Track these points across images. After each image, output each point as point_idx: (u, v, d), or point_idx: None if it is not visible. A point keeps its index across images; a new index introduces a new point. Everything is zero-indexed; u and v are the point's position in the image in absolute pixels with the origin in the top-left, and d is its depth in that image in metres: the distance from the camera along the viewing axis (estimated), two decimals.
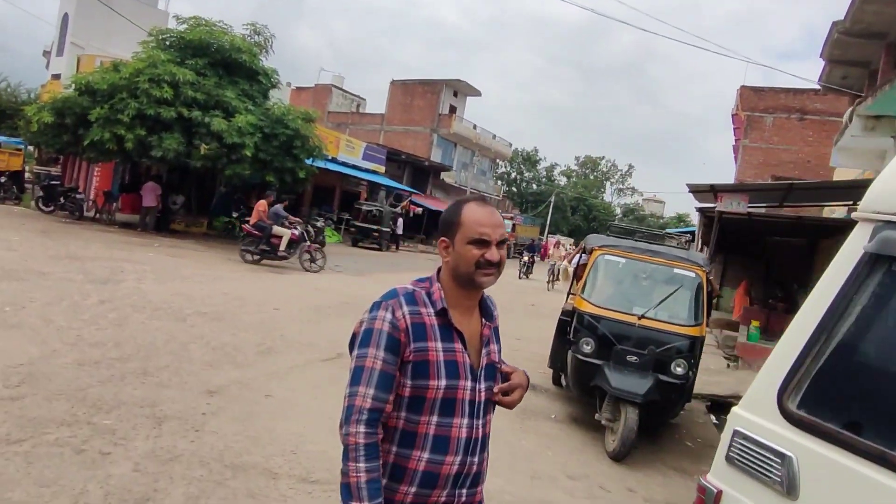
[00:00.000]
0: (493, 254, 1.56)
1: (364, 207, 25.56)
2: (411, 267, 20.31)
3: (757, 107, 25.26)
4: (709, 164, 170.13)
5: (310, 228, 19.75)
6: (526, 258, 24.13)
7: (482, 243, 1.55)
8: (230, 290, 9.77)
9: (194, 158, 15.82)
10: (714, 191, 10.43)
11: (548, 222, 57.68)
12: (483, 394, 1.63)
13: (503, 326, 8.46)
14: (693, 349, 5.28)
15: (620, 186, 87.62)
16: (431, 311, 1.57)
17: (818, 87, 19.35)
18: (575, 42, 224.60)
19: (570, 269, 6.88)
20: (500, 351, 1.78)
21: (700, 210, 13.24)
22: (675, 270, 5.66)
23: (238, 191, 22.69)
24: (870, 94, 9.21)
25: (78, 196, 18.43)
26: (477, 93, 46.16)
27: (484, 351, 1.67)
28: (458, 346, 1.58)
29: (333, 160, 28.08)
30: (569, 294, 6.48)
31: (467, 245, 1.55)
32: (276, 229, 14.13)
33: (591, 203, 77.41)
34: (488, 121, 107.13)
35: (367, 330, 1.57)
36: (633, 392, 4.98)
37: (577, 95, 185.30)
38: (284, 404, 4.96)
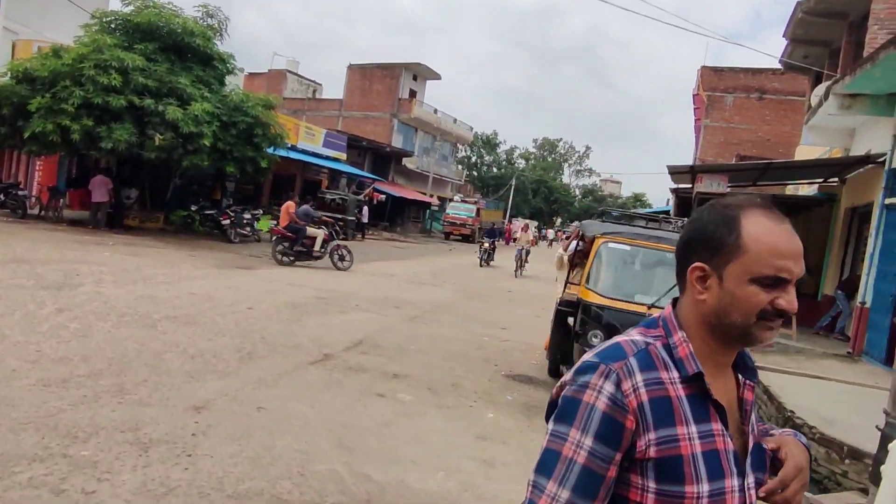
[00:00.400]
0: (790, 300, 0.99)
1: (327, 196, 24.86)
2: (382, 256, 19.89)
3: (717, 86, 25.59)
4: (666, 145, 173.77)
5: (273, 220, 19.05)
6: (487, 244, 21.57)
7: (777, 283, 0.99)
8: (198, 291, 9.19)
9: (148, 150, 14.93)
10: (693, 172, 10.37)
11: (509, 205, 57.76)
12: (753, 494, 1.07)
13: (484, 315, 8.39)
14: None
15: (578, 168, 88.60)
16: (676, 375, 1.03)
17: (778, 66, 19.69)
18: (528, 25, 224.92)
19: (566, 258, 6.62)
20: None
21: (675, 191, 13.22)
22: None
23: (195, 182, 21.72)
24: (847, 72, 9.23)
25: (20, 192, 17.22)
26: (436, 76, 45.54)
27: (747, 427, 1.11)
28: (718, 426, 1.03)
29: (293, 148, 27.17)
30: (566, 283, 6.25)
31: (751, 284, 0.99)
32: (311, 230, 14.13)
33: (552, 185, 78.04)
34: (447, 105, 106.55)
35: (570, 400, 1.01)
36: None
37: (532, 78, 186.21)
38: (279, 417, 4.56)
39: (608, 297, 5.29)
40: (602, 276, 5.54)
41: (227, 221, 16.72)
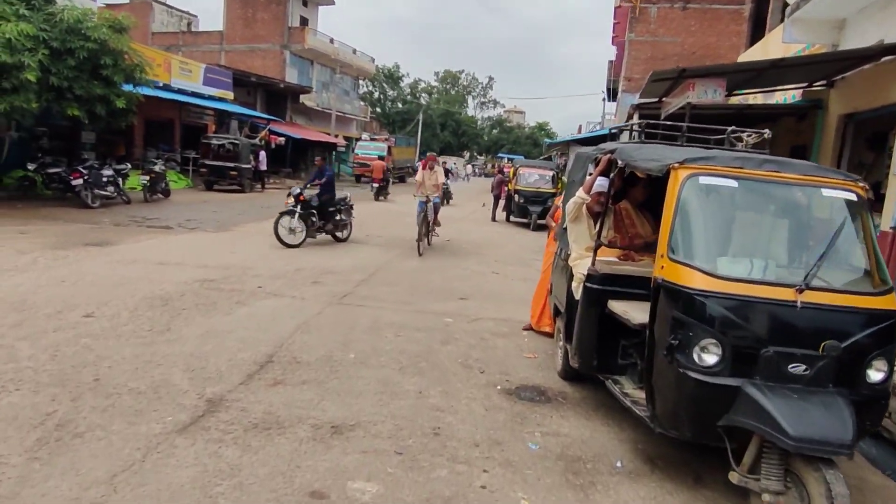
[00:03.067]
0: None
1: (214, 142, 20.94)
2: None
3: None
4: (563, 73, 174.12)
5: (146, 175, 15.35)
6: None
7: None
8: (4, 292, 6.04)
9: None
10: (683, 76, 8.20)
11: (418, 141, 54.70)
12: None
13: (430, 279, 5.06)
14: (893, 334, 2.89)
15: (483, 99, 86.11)
16: None
17: None
18: None
19: (584, 204, 4.16)
20: None
21: (638, 107, 11.05)
22: (825, 193, 3.15)
23: (44, 135, 17.20)
24: None
25: None
26: (330, 1, 40.72)
27: None
28: None
29: (166, 87, 22.81)
30: (597, 247, 3.86)
31: None
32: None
33: (459, 118, 75.28)
34: (343, 36, 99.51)
35: None
36: (829, 440, 2.53)
37: (424, 9, 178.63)
38: None
39: (722, 277, 2.91)
40: (699, 239, 3.14)
41: (80, 181, 12.92)
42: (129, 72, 13.90)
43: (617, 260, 4.16)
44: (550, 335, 5.94)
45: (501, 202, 18.10)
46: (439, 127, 68.96)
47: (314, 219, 10.55)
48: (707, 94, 8.15)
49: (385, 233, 13.12)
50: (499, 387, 4.52)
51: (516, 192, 16.29)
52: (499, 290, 8.26)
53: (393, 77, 65.74)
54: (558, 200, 6.21)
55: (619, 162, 3.81)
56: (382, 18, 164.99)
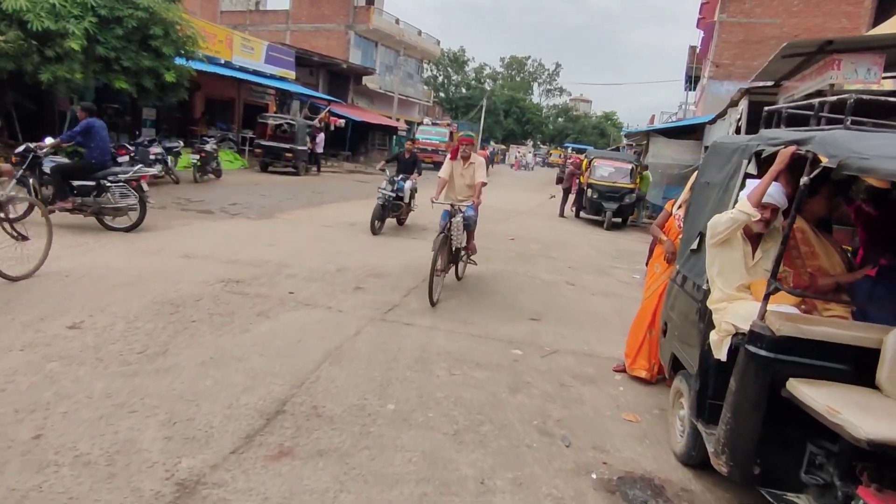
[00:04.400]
0: None
1: (270, 121, 20.19)
2: (339, 195, 15.66)
3: None
4: (635, 62, 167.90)
5: (196, 154, 14.63)
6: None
7: None
8: None
9: None
10: (828, 50, 6.45)
11: (481, 128, 53.16)
12: None
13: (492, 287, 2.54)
14: None
15: (549, 87, 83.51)
16: None
17: None
18: None
19: (745, 223, 2.69)
20: None
21: (747, 92, 9.29)
22: None
23: (113, 111, 16.78)
24: None
25: None
26: None
27: None
28: None
29: (228, 64, 22.26)
30: (771, 291, 2.43)
31: None
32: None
33: (524, 105, 73.13)
34: (408, 17, 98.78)
35: None
36: None
37: None
38: None
39: None
40: None
41: (125, 158, 12.25)
42: (180, 44, 13.10)
43: (799, 313, 2.72)
44: (649, 381, 4.54)
45: (571, 196, 16.51)
46: (503, 114, 67.14)
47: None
48: (857, 73, 6.42)
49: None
50: (594, 475, 3.16)
51: (589, 185, 14.68)
52: (576, 307, 6.84)
53: (458, 61, 64.29)
54: (670, 205, 4.74)
55: (824, 159, 2.35)
56: (451, 2, 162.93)
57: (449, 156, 7.20)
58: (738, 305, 2.81)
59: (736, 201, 3.02)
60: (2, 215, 5.60)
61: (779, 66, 7.59)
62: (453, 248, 6.52)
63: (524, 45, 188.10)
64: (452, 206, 6.50)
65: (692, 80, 32.83)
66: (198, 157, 14.38)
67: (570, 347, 5.28)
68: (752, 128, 10.02)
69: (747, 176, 3.08)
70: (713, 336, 2.91)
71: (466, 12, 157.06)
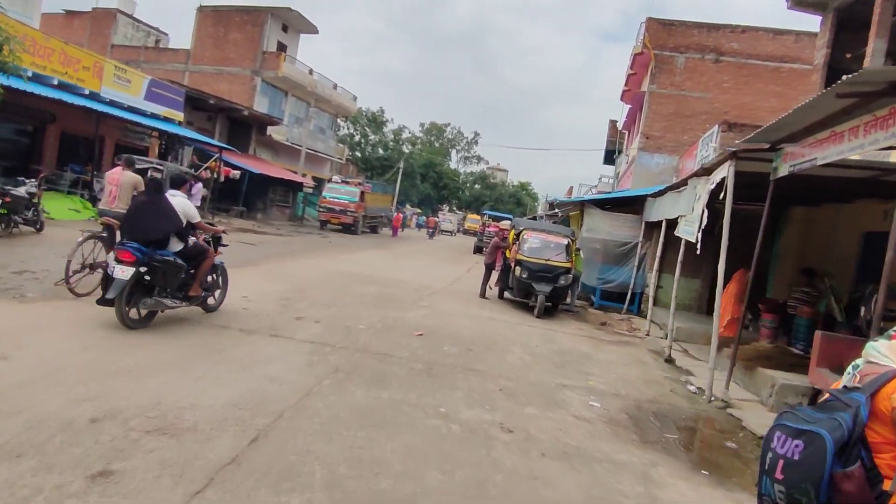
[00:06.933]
0: None
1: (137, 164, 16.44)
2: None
3: (666, 44, 20.33)
4: (547, 137, 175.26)
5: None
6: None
7: None
8: None
9: None
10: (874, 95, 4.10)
11: (397, 190, 50.96)
12: None
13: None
14: None
15: (466, 154, 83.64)
16: None
17: (736, 23, 14.58)
18: (413, 8, 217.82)
19: None
20: None
21: (733, 156, 7.09)
22: None
23: None
24: None
25: None
26: (313, 29, 37.39)
27: None
28: None
29: (93, 95, 18.56)
30: None
31: None
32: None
33: (442, 170, 72.21)
34: (326, 72, 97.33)
35: None
36: None
37: (417, 63, 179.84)
38: None
39: None
40: None
41: None
42: None
43: None
44: None
45: (495, 273, 13.90)
46: (420, 177, 65.65)
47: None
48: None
49: (330, 312, 8.73)
50: None
51: (518, 262, 12.10)
52: (522, 496, 3.87)
53: (376, 121, 62.60)
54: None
55: None
56: (375, 67, 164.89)
57: None
58: None
59: None
60: None
61: (798, 117, 5.31)
62: None
63: (443, 114, 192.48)
64: None
65: (608, 155, 32.27)
66: (0, 202, 10.54)
67: None
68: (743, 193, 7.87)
69: None
70: None
71: (386, 77, 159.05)
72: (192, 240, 6.75)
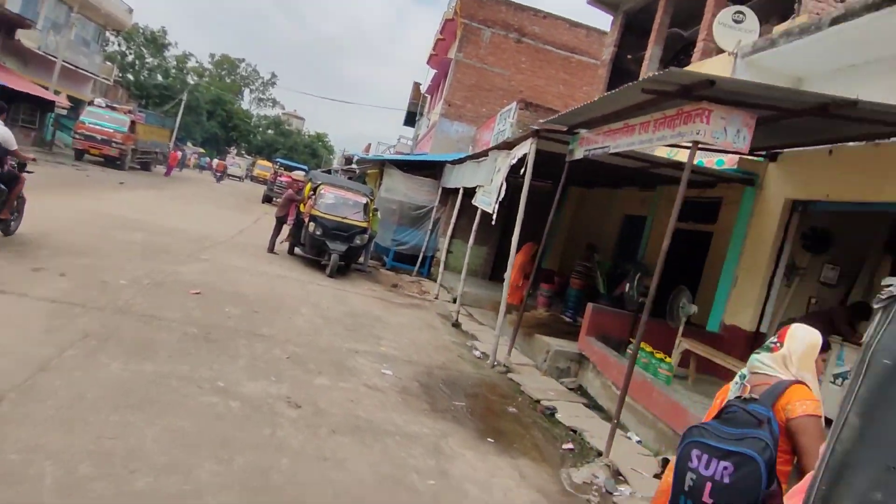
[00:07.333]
0: None
1: None
2: None
3: (476, 15, 20.76)
4: (350, 89, 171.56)
5: None
6: None
7: None
8: None
9: None
10: (696, 96, 4.48)
11: (177, 125, 45.58)
12: None
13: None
14: None
15: (261, 96, 78.07)
16: None
17: (539, 7, 15.52)
18: None
19: None
20: None
21: (536, 134, 7.36)
22: None
23: None
24: None
25: None
26: None
27: None
28: None
29: None
30: None
31: None
32: None
33: (232, 109, 66.56)
34: None
35: None
36: None
37: None
38: None
39: None
40: None
41: None
42: None
43: None
44: None
45: (286, 227, 13.04)
46: (206, 114, 59.70)
47: None
48: (727, 133, 4.63)
49: (82, 262, 7.26)
50: None
51: (312, 219, 11.44)
52: (308, 489, 3.51)
53: (156, 42, 54.85)
54: None
55: None
56: None
57: None
58: None
59: None
60: None
61: (609, 102, 5.61)
62: None
63: (238, 49, 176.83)
64: None
65: (415, 116, 32.55)
66: None
67: None
68: (541, 171, 8.23)
69: None
70: None
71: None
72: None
